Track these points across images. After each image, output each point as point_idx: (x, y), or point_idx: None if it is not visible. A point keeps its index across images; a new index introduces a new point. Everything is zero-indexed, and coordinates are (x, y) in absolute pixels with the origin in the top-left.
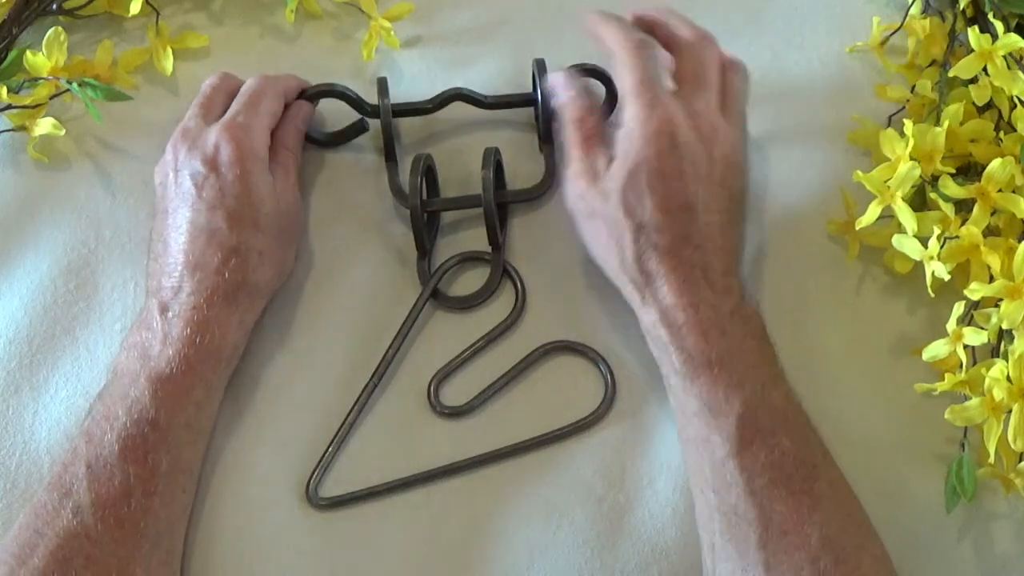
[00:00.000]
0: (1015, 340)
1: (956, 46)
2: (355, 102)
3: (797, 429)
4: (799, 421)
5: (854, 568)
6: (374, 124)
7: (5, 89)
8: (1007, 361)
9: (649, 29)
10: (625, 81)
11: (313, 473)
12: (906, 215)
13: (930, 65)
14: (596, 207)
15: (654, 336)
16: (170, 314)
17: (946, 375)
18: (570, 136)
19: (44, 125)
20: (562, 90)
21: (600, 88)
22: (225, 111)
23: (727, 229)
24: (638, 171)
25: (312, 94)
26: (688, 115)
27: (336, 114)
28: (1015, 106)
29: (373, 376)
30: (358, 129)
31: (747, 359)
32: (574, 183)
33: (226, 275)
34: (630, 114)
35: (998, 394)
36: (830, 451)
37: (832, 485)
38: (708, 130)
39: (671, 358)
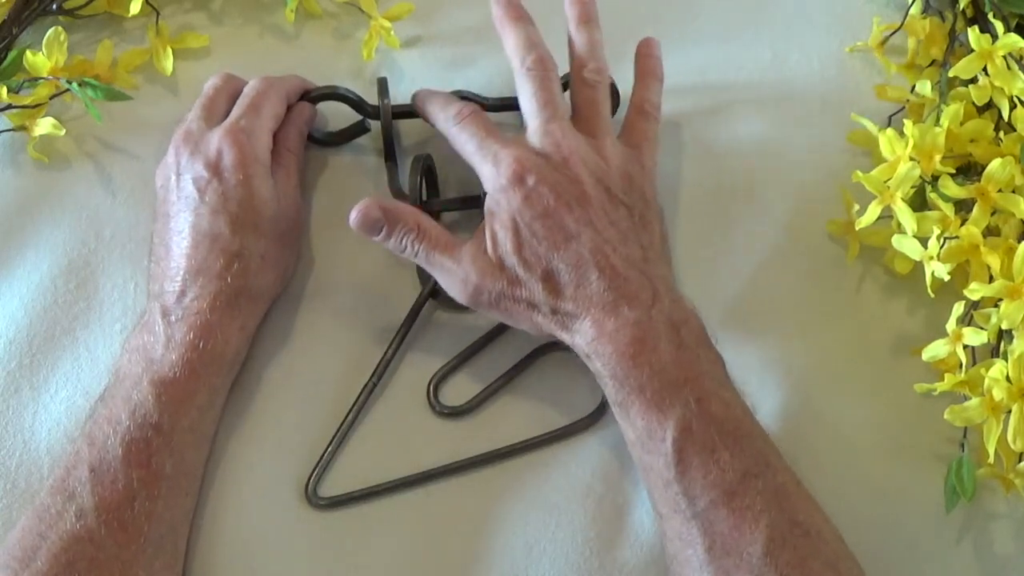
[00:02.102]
0: (1015, 340)
1: (956, 46)
2: (356, 104)
3: (738, 439)
4: (741, 430)
5: None
6: (375, 125)
7: (5, 89)
8: (1007, 361)
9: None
10: (465, 152)
11: (313, 473)
12: (906, 215)
13: (930, 65)
14: (492, 294)
15: (592, 369)
16: (172, 318)
17: (946, 375)
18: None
19: (44, 125)
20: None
21: None
22: (227, 113)
23: (629, 236)
24: (506, 234)
25: (313, 96)
26: (536, 152)
27: (337, 114)
28: (1015, 106)
29: (373, 376)
30: (358, 130)
31: (681, 373)
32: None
33: (228, 280)
34: (483, 177)
35: (998, 394)
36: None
37: (778, 492)
38: (567, 150)
39: (607, 389)
